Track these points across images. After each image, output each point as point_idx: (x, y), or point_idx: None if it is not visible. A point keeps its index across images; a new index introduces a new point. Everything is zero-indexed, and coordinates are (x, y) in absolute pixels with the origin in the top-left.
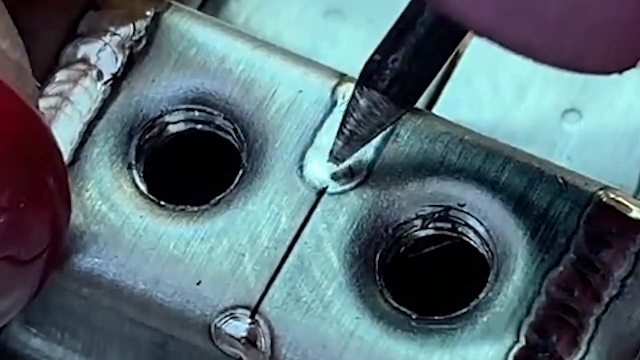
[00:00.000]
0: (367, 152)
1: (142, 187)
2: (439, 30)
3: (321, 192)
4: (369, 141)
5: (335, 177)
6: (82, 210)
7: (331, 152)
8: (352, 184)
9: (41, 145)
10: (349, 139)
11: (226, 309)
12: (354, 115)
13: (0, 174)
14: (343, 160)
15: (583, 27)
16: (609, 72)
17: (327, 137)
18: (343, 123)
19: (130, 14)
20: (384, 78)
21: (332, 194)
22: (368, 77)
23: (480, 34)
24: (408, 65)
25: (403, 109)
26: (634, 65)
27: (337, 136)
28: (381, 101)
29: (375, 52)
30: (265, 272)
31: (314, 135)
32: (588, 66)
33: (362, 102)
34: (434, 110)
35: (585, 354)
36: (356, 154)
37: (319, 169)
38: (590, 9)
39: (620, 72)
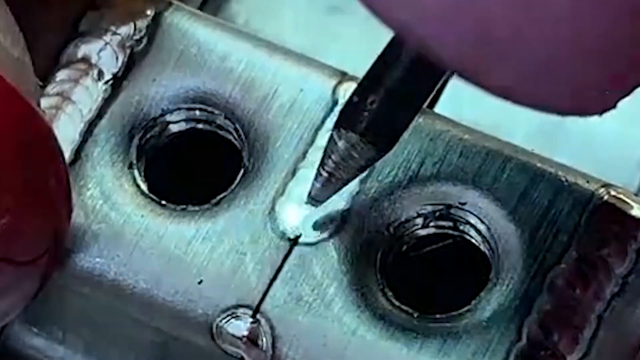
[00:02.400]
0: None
1: (143, 187)
2: (416, 72)
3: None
4: (347, 183)
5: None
6: (83, 209)
7: (309, 194)
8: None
9: (43, 144)
10: (328, 181)
11: (228, 308)
12: (332, 157)
13: (2, 173)
14: (321, 203)
15: (563, 69)
16: (588, 114)
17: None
18: (321, 165)
19: (131, 13)
20: (361, 120)
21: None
22: (346, 119)
23: (459, 75)
24: (386, 107)
25: (381, 151)
26: (613, 107)
27: (315, 178)
28: (359, 143)
29: (353, 93)
30: (267, 272)
31: (315, 134)
32: (566, 108)
33: (340, 144)
34: (436, 109)
35: (587, 351)
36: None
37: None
38: (570, 52)
39: (600, 114)
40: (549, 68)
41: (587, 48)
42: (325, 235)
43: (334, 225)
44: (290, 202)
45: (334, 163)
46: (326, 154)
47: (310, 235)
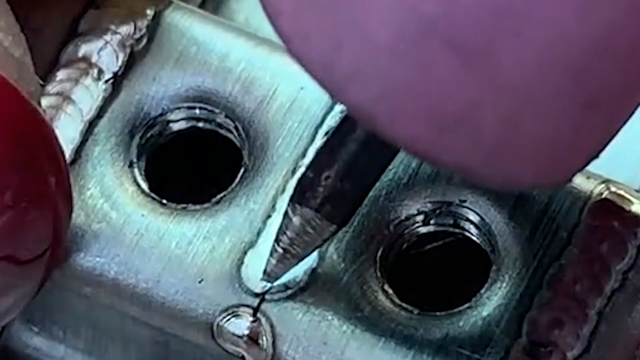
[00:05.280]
0: None
1: (144, 186)
2: (371, 147)
3: None
4: (304, 258)
5: None
6: (84, 209)
7: (264, 270)
8: None
9: (43, 143)
10: (283, 258)
11: (228, 308)
12: (287, 233)
13: (3, 172)
14: (277, 279)
15: (520, 146)
16: (545, 188)
17: None
18: (276, 241)
19: (131, 12)
20: (316, 195)
21: None
22: (301, 195)
23: (413, 153)
24: (341, 183)
25: (336, 227)
26: (569, 181)
27: (271, 254)
28: (314, 219)
29: (308, 168)
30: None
31: (315, 133)
32: (522, 185)
33: (295, 219)
34: None
35: (588, 347)
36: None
37: None
38: (525, 130)
39: (558, 187)
40: (504, 144)
41: (542, 128)
42: None
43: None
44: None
45: (289, 239)
46: (281, 230)
47: None
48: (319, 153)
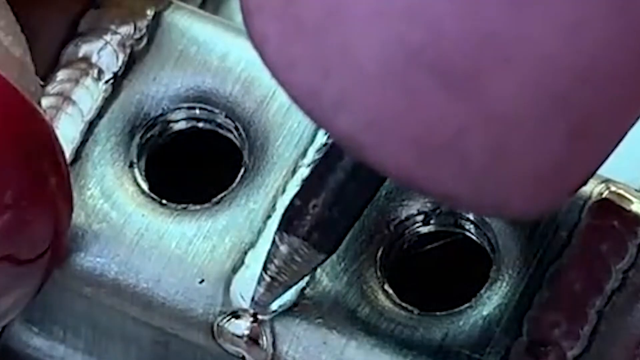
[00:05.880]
0: None
1: (144, 186)
2: (359, 175)
3: None
4: (292, 287)
5: None
6: (84, 209)
7: (252, 298)
8: None
9: (43, 143)
10: (270, 286)
11: (228, 308)
12: (275, 261)
13: (3, 171)
14: (266, 307)
15: (506, 175)
16: (531, 216)
17: None
18: (264, 269)
19: (131, 12)
20: (304, 224)
21: None
22: (288, 223)
23: (400, 182)
24: (329, 211)
25: (324, 255)
26: (559, 207)
27: (258, 282)
28: (302, 247)
29: (295, 196)
30: None
31: (315, 133)
32: (510, 212)
33: (283, 248)
34: None
35: (588, 347)
36: None
37: None
38: (513, 158)
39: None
40: (492, 172)
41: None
42: None
43: None
44: None
45: (277, 267)
46: (269, 258)
47: None
48: (306, 181)
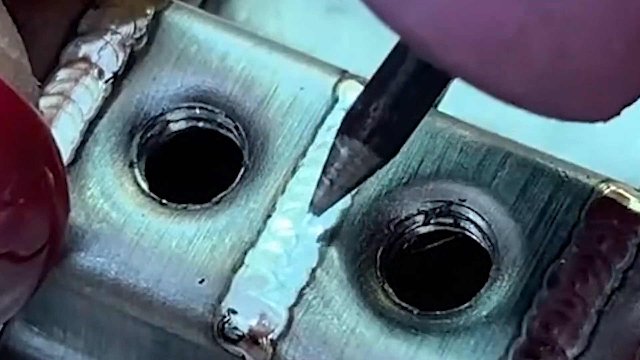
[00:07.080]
0: None
1: (144, 186)
2: (421, 79)
3: None
4: (350, 191)
5: None
6: (84, 209)
7: (311, 202)
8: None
9: (39, 143)
10: (330, 189)
11: (228, 307)
12: (335, 164)
13: (1, 170)
14: (324, 211)
15: (568, 75)
16: (593, 121)
17: (329, 135)
18: (324, 172)
19: (131, 12)
20: (365, 127)
21: None
22: (349, 126)
23: (464, 81)
24: (389, 114)
25: (384, 159)
26: (618, 114)
27: (318, 186)
28: (362, 150)
29: (357, 100)
30: None
31: (315, 132)
32: (572, 115)
33: (343, 151)
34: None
35: (587, 346)
36: None
37: None
38: (576, 57)
39: (605, 120)
40: (555, 71)
41: (602, 49)
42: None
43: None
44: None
45: (337, 170)
46: (328, 162)
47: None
48: (368, 85)
